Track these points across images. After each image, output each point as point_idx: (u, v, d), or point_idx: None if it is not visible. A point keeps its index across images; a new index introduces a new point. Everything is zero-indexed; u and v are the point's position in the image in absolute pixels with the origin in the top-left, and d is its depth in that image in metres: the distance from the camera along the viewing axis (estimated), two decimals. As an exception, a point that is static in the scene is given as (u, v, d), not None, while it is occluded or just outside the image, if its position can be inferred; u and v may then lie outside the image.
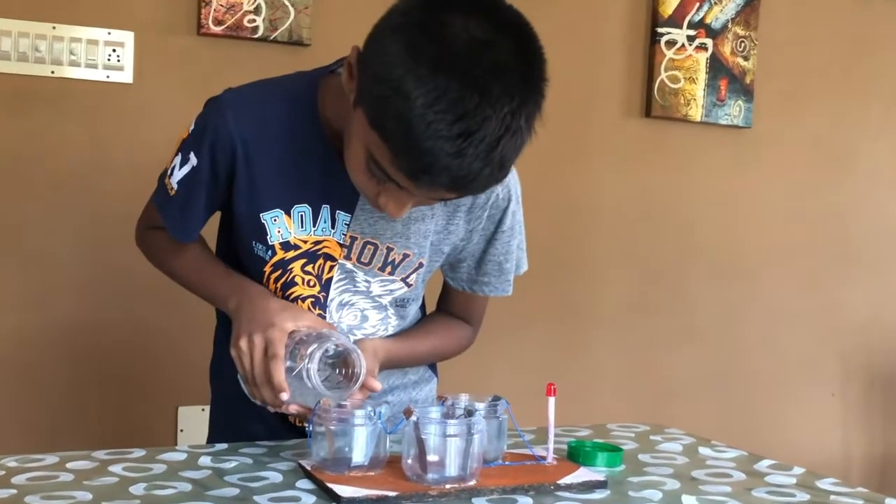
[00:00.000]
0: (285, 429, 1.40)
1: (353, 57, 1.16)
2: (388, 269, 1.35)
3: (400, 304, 1.39)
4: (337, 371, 1.19)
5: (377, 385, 1.22)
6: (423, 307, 1.52)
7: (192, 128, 1.31)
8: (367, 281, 1.35)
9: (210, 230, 1.41)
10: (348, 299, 1.35)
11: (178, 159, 1.31)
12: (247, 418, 1.40)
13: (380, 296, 1.37)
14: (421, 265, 1.37)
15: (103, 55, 2.24)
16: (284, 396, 1.16)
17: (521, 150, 1.11)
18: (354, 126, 1.14)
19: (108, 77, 2.26)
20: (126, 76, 2.28)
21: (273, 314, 1.22)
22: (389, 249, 1.34)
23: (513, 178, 1.39)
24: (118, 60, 2.26)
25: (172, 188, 1.32)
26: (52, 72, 2.21)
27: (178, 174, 1.31)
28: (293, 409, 1.19)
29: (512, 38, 1.08)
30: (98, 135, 2.28)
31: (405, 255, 1.35)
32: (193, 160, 1.29)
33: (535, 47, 1.10)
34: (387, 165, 1.11)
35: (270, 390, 1.18)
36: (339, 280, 1.34)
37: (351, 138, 1.17)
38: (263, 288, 1.31)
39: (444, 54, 1.04)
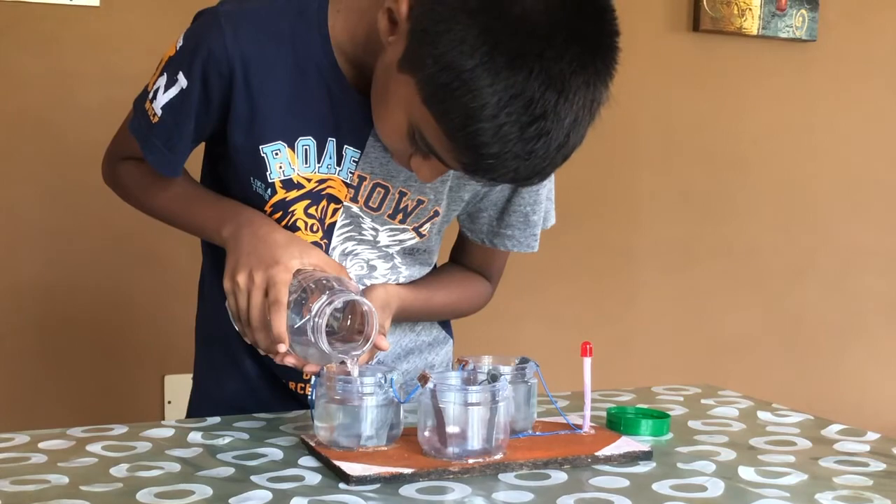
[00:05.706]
0: (268, 387, 1.41)
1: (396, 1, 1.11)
2: (400, 216, 1.35)
3: (409, 253, 1.40)
4: (340, 321, 1.19)
5: (385, 344, 1.23)
6: (434, 265, 1.52)
7: (180, 43, 1.28)
8: (374, 229, 1.35)
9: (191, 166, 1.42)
10: (352, 248, 1.35)
11: (162, 80, 1.29)
12: (226, 376, 1.43)
13: (387, 246, 1.37)
14: (437, 213, 1.37)
15: (63, -26, 2.24)
16: (282, 348, 1.17)
17: (584, 138, 1.13)
18: (396, 89, 1.13)
19: (71, 0, 2.25)
20: (91, -2, 2.27)
21: (278, 249, 1.22)
22: (402, 194, 1.34)
23: None
24: (81, -20, 2.25)
25: (155, 114, 1.30)
26: (6, -5, 2.21)
27: (163, 98, 1.29)
28: (290, 361, 1.19)
29: (594, 18, 1.08)
30: (61, 67, 2.27)
31: (419, 202, 1.35)
32: (182, 81, 1.27)
33: (611, 19, 1.10)
34: (438, 149, 1.12)
35: (266, 337, 1.19)
36: (343, 226, 1.34)
37: (388, 97, 1.16)
38: (262, 214, 1.31)
39: (525, 44, 1.03)
